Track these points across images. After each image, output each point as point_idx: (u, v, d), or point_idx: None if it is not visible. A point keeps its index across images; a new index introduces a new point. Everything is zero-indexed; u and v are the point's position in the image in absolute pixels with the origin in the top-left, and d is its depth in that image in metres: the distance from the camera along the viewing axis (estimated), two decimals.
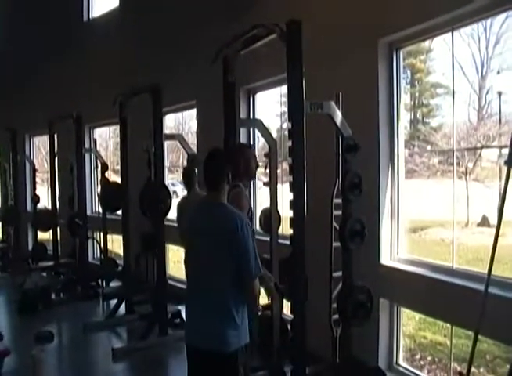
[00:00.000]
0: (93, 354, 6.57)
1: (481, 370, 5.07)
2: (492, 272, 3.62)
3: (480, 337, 3.66)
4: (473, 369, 3.74)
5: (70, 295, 8.80)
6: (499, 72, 5.22)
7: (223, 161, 3.30)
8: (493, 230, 3.68)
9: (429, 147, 5.93)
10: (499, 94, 5.55)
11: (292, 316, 4.33)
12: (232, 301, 3.18)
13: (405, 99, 5.42)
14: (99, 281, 9.12)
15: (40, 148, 13.99)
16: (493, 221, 4.27)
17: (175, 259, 8.77)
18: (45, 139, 10.98)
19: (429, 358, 5.40)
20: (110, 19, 10.37)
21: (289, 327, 5.05)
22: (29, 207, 12.07)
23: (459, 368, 4.65)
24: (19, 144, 11.94)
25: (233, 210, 3.25)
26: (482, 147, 6.00)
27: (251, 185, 7.01)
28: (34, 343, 5.61)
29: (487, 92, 5.76)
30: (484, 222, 6.86)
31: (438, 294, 4.52)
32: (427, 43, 5.43)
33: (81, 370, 5.72)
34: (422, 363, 5.36)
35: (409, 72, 5.72)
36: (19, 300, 7.96)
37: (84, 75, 10.60)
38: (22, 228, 11.70)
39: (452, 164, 4.86)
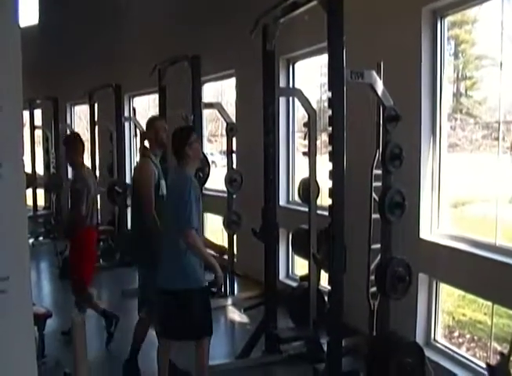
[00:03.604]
0: (130, 320, 6.67)
1: None
2: None
3: None
4: None
5: (109, 262, 8.98)
6: None
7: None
8: None
9: (472, 121, 5.73)
10: None
11: (329, 288, 4.29)
12: None
13: (449, 71, 5.24)
14: None
15: (81, 117, 14.15)
16: None
17: (213, 228, 8.80)
18: (86, 108, 11.09)
19: (468, 336, 5.30)
20: None
21: (326, 298, 5.04)
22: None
23: (499, 348, 4.55)
24: (61, 113, 12.10)
25: None
26: None
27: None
28: (74, 307, 5.73)
29: None
30: None
31: (480, 270, 4.42)
32: (472, 13, 5.20)
33: (118, 335, 5.82)
34: (460, 340, 5.26)
35: (452, 43, 5.50)
36: (60, 266, 8.15)
37: (123, 45, 10.63)
38: (63, 195, 11.92)
39: (497, 138, 4.69)
